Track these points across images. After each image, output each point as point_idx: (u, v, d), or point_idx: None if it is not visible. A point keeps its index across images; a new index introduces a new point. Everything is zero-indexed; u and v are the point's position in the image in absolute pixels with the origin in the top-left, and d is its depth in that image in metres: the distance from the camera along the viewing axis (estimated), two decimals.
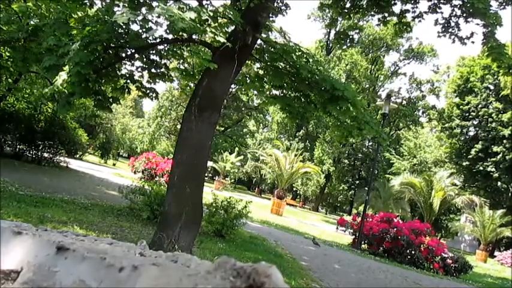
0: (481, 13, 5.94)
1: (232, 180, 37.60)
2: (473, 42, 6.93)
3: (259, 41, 5.84)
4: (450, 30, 7.12)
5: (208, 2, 5.84)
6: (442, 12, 7.14)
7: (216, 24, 4.88)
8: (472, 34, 6.93)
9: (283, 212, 21.19)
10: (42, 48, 5.53)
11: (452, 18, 7.02)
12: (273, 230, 12.73)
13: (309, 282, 6.13)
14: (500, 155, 27.82)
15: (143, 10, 4.50)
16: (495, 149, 28.16)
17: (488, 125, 29.45)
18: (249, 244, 8.15)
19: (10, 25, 8.79)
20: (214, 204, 8.16)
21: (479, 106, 30.03)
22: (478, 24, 6.35)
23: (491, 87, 30.23)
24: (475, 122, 31.02)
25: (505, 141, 28.02)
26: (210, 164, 27.99)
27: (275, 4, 6.49)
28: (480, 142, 29.49)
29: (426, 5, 7.24)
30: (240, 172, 40.63)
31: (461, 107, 30.93)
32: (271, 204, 21.72)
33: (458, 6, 6.72)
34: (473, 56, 31.59)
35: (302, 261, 7.89)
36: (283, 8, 6.97)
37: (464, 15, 6.67)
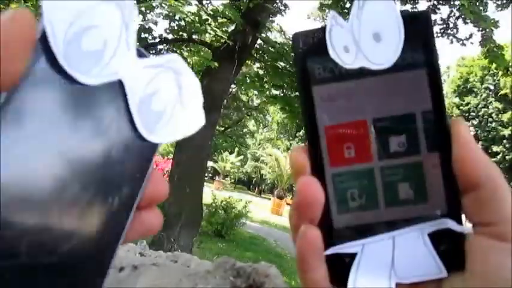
0: (475, 17, 5.95)
1: (232, 180, 37.62)
2: (472, 43, 6.94)
3: (259, 41, 5.84)
4: (449, 31, 7.13)
5: (208, 2, 5.85)
6: (441, 13, 7.15)
7: (216, 23, 4.89)
8: (471, 35, 6.94)
9: (283, 212, 21.18)
10: None
11: (451, 19, 7.03)
12: (273, 230, 12.73)
13: None
14: (500, 155, 27.82)
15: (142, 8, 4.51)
16: (495, 149, 28.19)
17: (488, 125, 29.48)
18: (249, 244, 8.16)
19: None
20: (213, 204, 8.18)
21: (479, 106, 30.09)
22: (475, 26, 6.36)
23: (491, 88, 30.27)
24: (475, 122, 31.01)
25: (505, 141, 28.06)
26: (210, 164, 27.98)
27: (274, 4, 6.50)
28: (480, 142, 29.51)
29: (425, 6, 7.24)
30: (240, 172, 40.63)
31: (461, 107, 30.95)
32: (271, 204, 21.70)
33: (457, 7, 6.73)
34: (473, 56, 31.58)
35: None
36: (282, 8, 6.98)
37: (463, 16, 6.68)
